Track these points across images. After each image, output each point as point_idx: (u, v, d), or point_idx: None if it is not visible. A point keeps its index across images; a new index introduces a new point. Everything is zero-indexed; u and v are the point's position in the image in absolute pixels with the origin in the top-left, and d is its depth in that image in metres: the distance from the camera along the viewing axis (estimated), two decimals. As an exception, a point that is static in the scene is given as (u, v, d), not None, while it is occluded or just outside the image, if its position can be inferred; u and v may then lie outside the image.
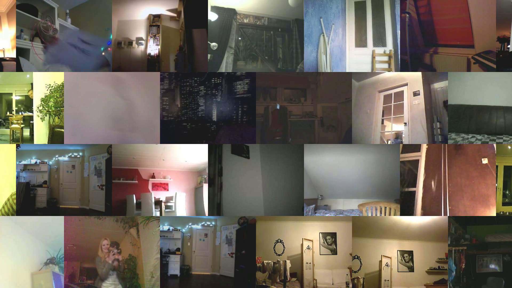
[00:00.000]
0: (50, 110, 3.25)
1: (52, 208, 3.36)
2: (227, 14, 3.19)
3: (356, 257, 3.08)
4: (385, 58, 3.30)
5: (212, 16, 3.14)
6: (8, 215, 3.05)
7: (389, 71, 3.24)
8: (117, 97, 3.27)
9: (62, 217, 3.08)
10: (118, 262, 3.03)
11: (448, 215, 2.93)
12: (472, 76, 3.05)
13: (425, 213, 2.96)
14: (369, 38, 3.36)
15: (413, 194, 3.00)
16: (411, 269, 3.18)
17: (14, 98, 3.37)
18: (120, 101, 3.26)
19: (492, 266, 3.09)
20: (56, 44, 3.14)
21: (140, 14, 3.16)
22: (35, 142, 3.22)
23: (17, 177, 3.16)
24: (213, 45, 3.15)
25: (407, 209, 2.98)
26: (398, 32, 3.23)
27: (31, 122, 3.26)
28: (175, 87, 3.05)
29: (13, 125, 3.29)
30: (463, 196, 2.92)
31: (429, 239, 3.10)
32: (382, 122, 3.37)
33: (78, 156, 3.51)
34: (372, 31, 3.34)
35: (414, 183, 3.02)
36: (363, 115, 3.26)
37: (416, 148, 3.03)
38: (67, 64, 3.14)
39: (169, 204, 3.60)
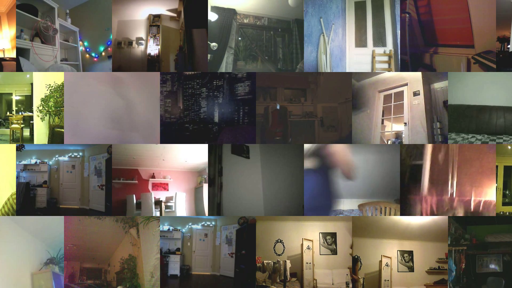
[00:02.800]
0: (50, 110, 3.25)
1: (52, 208, 3.36)
2: (227, 14, 3.19)
3: (356, 257, 3.08)
4: (385, 58, 3.30)
5: (212, 16, 3.14)
6: (8, 215, 3.05)
7: (389, 71, 3.24)
8: (117, 97, 3.27)
9: (62, 217, 3.08)
10: None
11: (455, 187, 2.93)
12: (472, 76, 3.05)
13: (432, 184, 2.97)
14: (369, 38, 3.36)
15: (420, 167, 3.00)
16: (411, 269, 3.18)
17: (14, 98, 3.37)
18: (120, 101, 3.26)
19: (492, 266, 3.09)
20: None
21: (140, 14, 3.17)
22: (35, 142, 3.22)
23: (17, 177, 3.16)
24: (213, 45, 3.15)
25: (414, 182, 3.00)
26: (398, 32, 3.23)
27: (31, 122, 3.26)
28: (177, 89, 3.05)
29: (13, 125, 3.29)
30: (470, 169, 2.93)
31: (429, 239, 3.10)
32: (382, 122, 3.37)
33: (78, 156, 3.51)
34: (372, 31, 3.34)
35: (421, 157, 3.02)
36: (363, 115, 3.26)
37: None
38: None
39: (169, 204, 3.60)
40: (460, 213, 2.93)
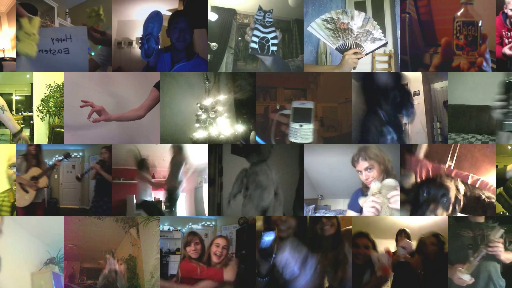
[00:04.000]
0: (50, 110, 3.25)
1: (52, 208, 3.36)
2: (227, 14, 3.19)
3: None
4: (385, 58, 3.31)
5: (212, 16, 3.14)
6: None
7: (389, 71, 3.23)
8: (116, 97, 3.28)
9: (62, 217, 3.08)
10: (115, 274, 3.01)
11: (454, 160, 2.93)
12: (472, 76, 3.04)
13: (430, 152, 2.99)
14: (369, 38, 3.35)
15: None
16: (411, 269, 3.17)
17: (14, 98, 3.37)
18: (120, 101, 3.26)
19: (492, 266, 3.09)
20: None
21: (140, 14, 3.16)
22: (35, 142, 3.22)
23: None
24: (213, 45, 3.15)
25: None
26: (398, 32, 3.23)
27: (31, 122, 3.26)
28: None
29: (13, 123, 3.29)
30: (473, 150, 2.97)
31: (428, 239, 3.09)
32: (382, 122, 3.36)
33: (78, 156, 3.51)
34: (372, 31, 3.34)
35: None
36: (363, 115, 3.25)
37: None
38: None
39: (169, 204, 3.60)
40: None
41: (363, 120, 3.06)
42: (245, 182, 3.06)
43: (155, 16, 3.05)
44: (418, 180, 2.97)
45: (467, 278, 2.79)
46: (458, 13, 2.86)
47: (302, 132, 2.71)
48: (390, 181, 2.73)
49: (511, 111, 2.80)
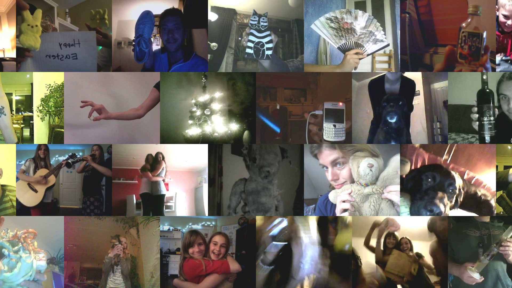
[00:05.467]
0: (50, 110, 3.25)
1: (52, 208, 3.36)
2: (227, 14, 3.19)
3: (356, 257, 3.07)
4: (385, 58, 3.30)
5: (212, 16, 3.14)
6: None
7: (389, 71, 3.23)
8: (117, 97, 3.28)
9: (62, 217, 3.08)
10: (118, 257, 3.02)
11: (451, 155, 2.92)
12: (472, 76, 3.04)
13: (427, 145, 2.99)
14: (369, 38, 3.35)
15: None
16: (411, 269, 3.17)
17: (14, 98, 3.37)
18: (120, 101, 3.27)
19: (492, 266, 3.09)
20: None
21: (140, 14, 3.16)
22: (35, 142, 3.23)
23: (17, 177, 3.16)
24: (213, 45, 3.15)
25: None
26: (398, 32, 3.23)
27: (31, 122, 3.26)
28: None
29: (13, 125, 3.29)
30: (471, 149, 2.99)
31: (429, 239, 3.10)
32: (382, 122, 3.36)
33: (78, 156, 3.51)
34: (372, 31, 3.34)
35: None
36: (363, 115, 3.25)
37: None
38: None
39: (169, 204, 3.60)
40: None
41: (371, 128, 3.07)
42: (244, 196, 3.02)
43: (145, 17, 3.03)
44: (413, 168, 2.93)
45: (477, 276, 2.78)
46: (464, 24, 2.88)
47: (336, 132, 2.77)
48: (391, 171, 2.65)
49: (484, 123, 2.82)
